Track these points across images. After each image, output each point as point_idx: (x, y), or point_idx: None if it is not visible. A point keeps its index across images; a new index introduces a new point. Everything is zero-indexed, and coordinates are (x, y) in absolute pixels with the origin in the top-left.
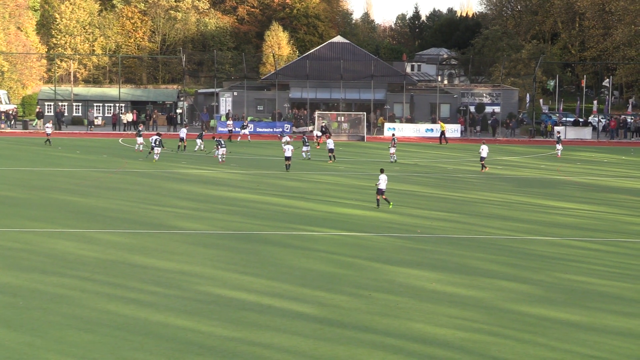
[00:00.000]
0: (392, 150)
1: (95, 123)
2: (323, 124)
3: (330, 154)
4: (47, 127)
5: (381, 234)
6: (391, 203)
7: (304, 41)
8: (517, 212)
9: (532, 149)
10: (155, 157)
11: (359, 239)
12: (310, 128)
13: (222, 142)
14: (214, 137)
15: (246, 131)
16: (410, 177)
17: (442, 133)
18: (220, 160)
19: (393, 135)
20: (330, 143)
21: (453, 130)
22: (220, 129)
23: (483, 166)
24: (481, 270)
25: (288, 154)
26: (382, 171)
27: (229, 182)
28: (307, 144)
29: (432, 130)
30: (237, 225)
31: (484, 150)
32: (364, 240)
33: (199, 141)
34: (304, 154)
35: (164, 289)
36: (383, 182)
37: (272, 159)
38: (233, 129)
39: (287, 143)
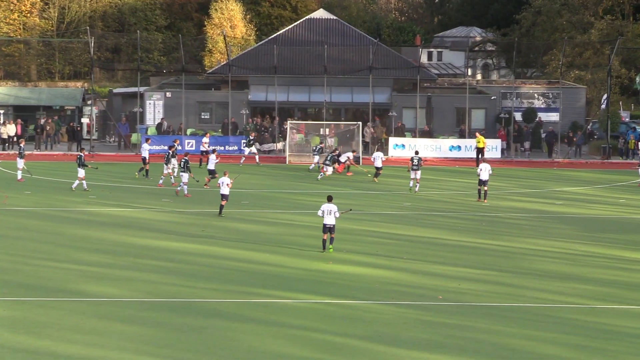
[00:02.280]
0: (416, 175)
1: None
2: (335, 152)
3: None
4: None
5: (384, 301)
6: (331, 247)
7: (270, 17)
8: (586, 268)
9: (607, 175)
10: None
11: (352, 309)
12: (279, 145)
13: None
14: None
15: (254, 149)
16: (427, 217)
17: (480, 151)
18: (178, 188)
19: (417, 153)
20: (378, 160)
21: (491, 147)
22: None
23: (483, 194)
24: (533, 355)
25: (224, 191)
26: (329, 199)
27: (161, 226)
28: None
29: (458, 147)
30: (171, 290)
31: (485, 170)
32: (359, 311)
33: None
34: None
35: None
36: (331, 214)
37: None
38: (208, 150)
39: (225, 174)
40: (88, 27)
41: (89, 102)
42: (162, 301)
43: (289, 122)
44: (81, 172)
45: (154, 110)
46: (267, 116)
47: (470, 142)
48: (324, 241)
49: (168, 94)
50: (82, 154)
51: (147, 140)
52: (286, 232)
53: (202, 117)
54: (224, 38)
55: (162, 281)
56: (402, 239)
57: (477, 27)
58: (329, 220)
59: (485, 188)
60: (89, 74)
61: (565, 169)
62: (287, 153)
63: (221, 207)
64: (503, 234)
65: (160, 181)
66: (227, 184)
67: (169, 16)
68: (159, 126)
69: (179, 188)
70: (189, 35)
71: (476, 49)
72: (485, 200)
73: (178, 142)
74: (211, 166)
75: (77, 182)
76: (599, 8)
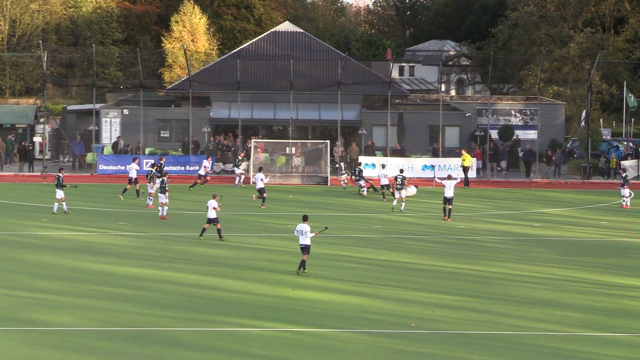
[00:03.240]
0: (401, 194)
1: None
2: (359, 168)
3: (382, 191)
4: None
5: (354, 329)
6: (305, 270)
7: (233, 30)
8: (566, 294)
9: (587, 195)
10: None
11: (320, 338)
12: (243, 166)
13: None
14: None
15: (241, 169)
16: (399, 240)
17: (466, 170)
18: (161, 213)
19: (401, 172)
20: (384, 178)
21: None
22: (102, 167)
23: (447, 212)
24: None
25: (211, 214)
26: (304, 219)
27: (118, 251)
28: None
29: (432, 167)
30: (129, 318)
31: (449, 187)
32: (327, 340)
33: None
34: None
35: None
36: (304, 235)
37: (186, 213)
38: (208, 171)
39: (213, 197)
40: (41, 41)
41: (42, 119)
42: (119, 330)
43: (253, 140)
44: (60, 194)
45: (110, 128)
46: (230, 134)
47: (444, 162)
48: (303, 262)
49: (125, 111)
50: (60, 174)
51: (134, 159)
52: (251, 257)
53: (162, 135)
54: (185, 52)
55: (119, 309)
56: (373, 263)
57: (451, 40)
58: (302, 241)
59: (450, 206)
60: (42, 90)
61: (543, 190)
62: (252, 173)
63: (219, 230)
64: (479, 258)
65: (149, 202)
66: (214, 207)
67: (126, 29)
68: (115, 145)
69: (160, 213)
70: (147, 49)
71: (450, 63)
72: (449, 219)
73: (164, 159)
74: (260, 185)
75: (56, 204)
76: (579, 20)
